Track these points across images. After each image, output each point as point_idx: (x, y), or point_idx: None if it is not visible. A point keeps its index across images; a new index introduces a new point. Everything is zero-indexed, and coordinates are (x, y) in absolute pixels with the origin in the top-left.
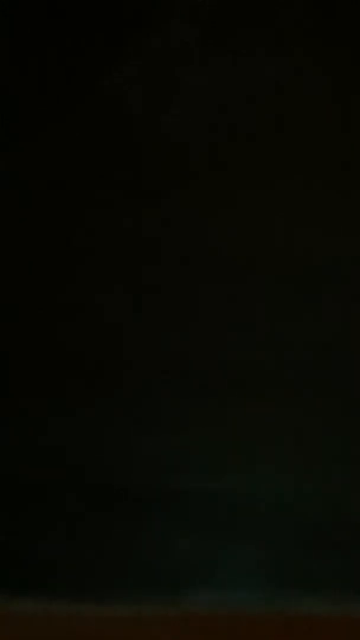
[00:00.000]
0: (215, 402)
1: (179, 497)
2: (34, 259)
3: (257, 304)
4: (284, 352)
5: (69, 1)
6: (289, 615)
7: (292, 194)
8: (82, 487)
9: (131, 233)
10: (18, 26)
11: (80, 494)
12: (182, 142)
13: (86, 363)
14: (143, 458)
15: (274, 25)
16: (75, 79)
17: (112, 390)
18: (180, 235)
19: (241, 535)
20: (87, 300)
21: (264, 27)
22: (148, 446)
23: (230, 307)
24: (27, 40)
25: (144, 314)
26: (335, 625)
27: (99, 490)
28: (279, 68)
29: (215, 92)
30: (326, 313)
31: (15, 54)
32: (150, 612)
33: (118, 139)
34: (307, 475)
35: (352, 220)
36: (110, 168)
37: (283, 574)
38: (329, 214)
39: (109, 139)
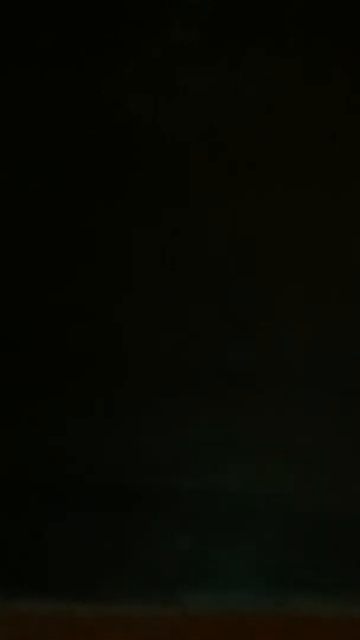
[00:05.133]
0: (215, 402)
1: (179, 497)
2: (34, 260)
3: (257, 305)
4: (283, 352)
5: (69, 4)
6: (289, 615)
7: (291, 194)
8: (82, 487)
9: (131, 234)
10: (18, 29)
11: (80, 494)
12: (182, 143)
13: (87, 364)
14: (143, 458)
15: (273, 28)
16: (75, 81)
17: (112, 391)
18: (179, 235)
19: (241, 535)
20: (88, 302)
21: (263, 29)
22: (148, 446)
23: (230, 308)
24: (27, 43)
25: (144, 315)
26: (335, 625)
27: (98, 490)
28: (279, 70)
29: (215, 94)
30: (326, 313)
31: (16, 56)
32: (150, 612)
33: (118, 140)
34: (307, 475)
35: (351, 221)
36: (110, 169)
37: (283, 574)
38: (329, 215)
39: (108, 140)
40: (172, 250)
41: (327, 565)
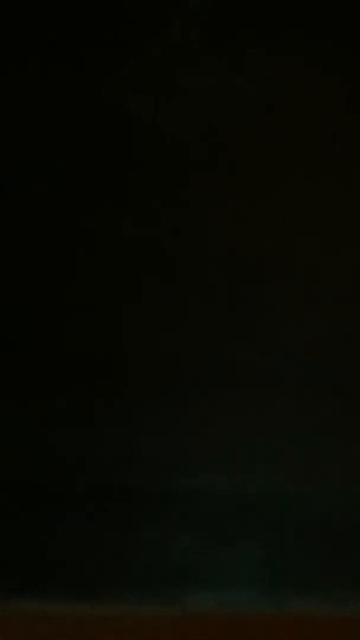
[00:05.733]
0: (215, 402)
1: (179, 497)
2: (34, 261)
3: (256, 305)
4: (283, 353)
5: (69, 4)
6: (289, 615)
7: (291, 195)
8: (82, 487)
9: (131, 234)
10: (18, 29)
11: (80, 494)
12: (182, 143)
13: (87, 364)
14: (143, 458)
15: (273, 28)
16: (75, 81)
17: (112, 391)
18: (179, 236)
19: (241, 535)
20: (87, 302)
21: (263, 29)
22: (148, 446)
23: (230, 309)
24: (27, 43)
25: (144, 315)
26: (335, 625)
27: (98, 490)
28: (279, 70)
29: (215, 94)
30: (326, 313)
31: (16, 56)
32: (150, 612)
33: (118, 140)
34: (307, 475)
35: (351, 220)
36: (110, 169)
37: (283, 573)
38: (329, 214)
39: (108, 140)
40: (172, 250)
41: (328, 565)
